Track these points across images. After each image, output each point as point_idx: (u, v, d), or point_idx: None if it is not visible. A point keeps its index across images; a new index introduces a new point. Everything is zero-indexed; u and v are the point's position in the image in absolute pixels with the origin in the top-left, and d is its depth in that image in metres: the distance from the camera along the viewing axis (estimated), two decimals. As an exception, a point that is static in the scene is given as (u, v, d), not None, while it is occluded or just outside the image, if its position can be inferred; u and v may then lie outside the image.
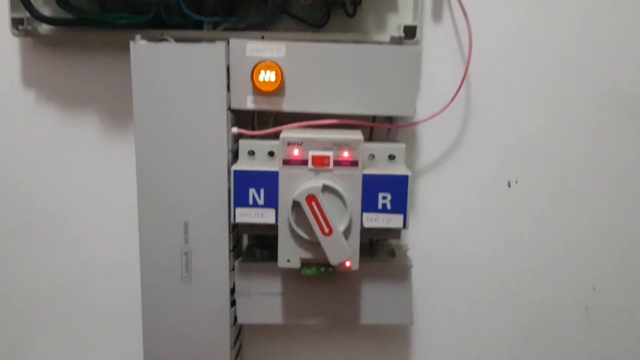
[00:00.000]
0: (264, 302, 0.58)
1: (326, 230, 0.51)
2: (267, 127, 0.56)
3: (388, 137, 0.59)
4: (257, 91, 0.54)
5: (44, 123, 0.63)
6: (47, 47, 0.61)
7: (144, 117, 0.53)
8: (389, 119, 0.58)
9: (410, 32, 0.58)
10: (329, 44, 0.54)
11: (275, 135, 0.54)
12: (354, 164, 0.52)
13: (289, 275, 0.57)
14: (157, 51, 0.52)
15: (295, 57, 0.54)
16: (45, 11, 0.57)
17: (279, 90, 0.54)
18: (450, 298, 0.66)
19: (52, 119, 0.62)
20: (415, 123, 0.61)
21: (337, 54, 0.54)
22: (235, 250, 0.58)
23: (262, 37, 0.56)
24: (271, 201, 0.53)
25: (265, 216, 0.53)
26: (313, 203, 0.51)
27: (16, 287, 0.66)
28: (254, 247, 0.60)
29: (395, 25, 0.59)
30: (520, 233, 0.65)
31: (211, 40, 0.53)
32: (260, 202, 0.53)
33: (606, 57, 0.62)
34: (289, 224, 0.53)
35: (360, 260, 0.54)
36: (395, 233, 0.56)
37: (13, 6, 0.56)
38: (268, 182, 0.53)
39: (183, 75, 0.52)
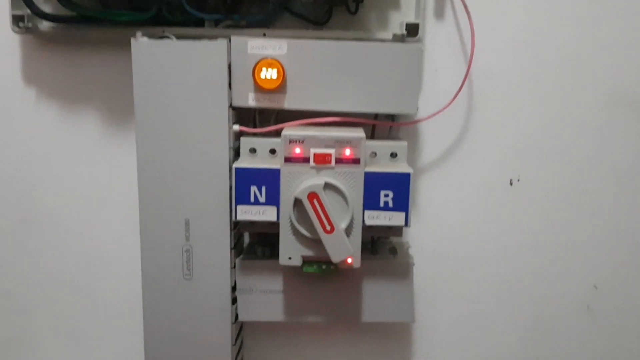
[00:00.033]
0: (265, 299, 0.58)
1: (328, 227, 0.51)
2: (269, 125, 0.56)
3: (390, 135, 0.59)
4: (259, 89, 0.54)
5: (44, 120, 0.62)
6: (48, 45, 0.61)
7: (145, 114, 0.53)
8: (391, 117, 0.58)
9: (412, 30, 0.57)
10: (331, 42, 0.54)
11: (277, 133, 0.54)
12: (355, 161, 0.52)
13: (290, 272, 0.57)
14: (159, 48, 0.52)
15: (297, 54, 0.53)
16: (46, 8, 0.56)
17: (280, 87, 0.54)
18: (451, 296, 0.66)
19: (53, 117, 0.62)
20: (417, 121, 0.60)
21: (339, 52, 0.54)
22: (237, 247, 0.58)
23: (264, 35, 0.56)
24: (273, 199, 0.53)
25: (267, 214, 0.53)
26: (315, 200, 0.51)
27: (17, 285, 0.66)
28: (255, 244, 0.60)
29: (397, 22, 0.58)
30: (522, 231, 0.65)
31: (212, 37, 0.53)
32: (262, 199, 0.53)
33: (609, 55, 0.62)
34: (291, 221, 0.53)
35: (362, 258, 0.53)
36: (396, 231, 0.56)
37: (14, 3, 0.56)
38: (269, 180, 0.53)
39: (184, 72, 0.52)
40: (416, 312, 0.63)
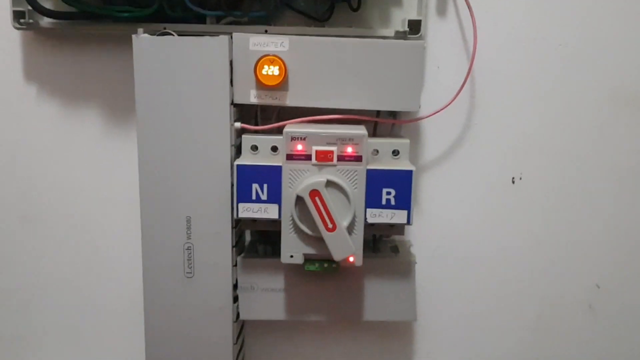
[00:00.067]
0: (267, 298, 0.58)
1: (330, 225, 0.51)
2: (271, 122, 0.56)
3: (392, 133, 0.59)
4: (261, 85, 0.53)
5: (45, 117, 0.62)
6: (49, 41, 0.61)
7: (146, 111, 0.53)
8: (393, 114, 0.58)
9: (414, 27, 0.57)
10: (333, 39, 0.54)
11: (279, 130, 0.54)
12: (357, 159, 0.52)
13: (292, 271, 0.57)
14: (160, 45, 0.52)
15: (299, 51, 0.53)
16: (47, 4, 0.56)
17: (282, 84, 0.53)
18: (453, 294, 0.66)
19: (54, 113, 0.62)
20: (420, 118, 0.60)
21: (341, 49, 0.54)
22: (238, 245, 0.58)
23: (266, 31, 0.56)
24: (274, 196, 0.53)
25: (269, 211, 0.53)
26: (317, 198, 0.51)
27: (17, 283, 0.66)
28: (256, 242, 0.60)
29: (399, 19, 0.58)
30: (524, 229, 0.65)
31: (214, 34, 0.52)
32: (264, 197, 0.53)
33: (612, 53, 0.61)
34: (292, 219, 0.52)
35: (364, 256, 0.53)
36: (399, 229, 0.56)
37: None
38: (271, 177, 0.52)
39: (186, 69, 0.52)
40: (418, 310, 0.63)
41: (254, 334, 0.66)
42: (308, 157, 0.52)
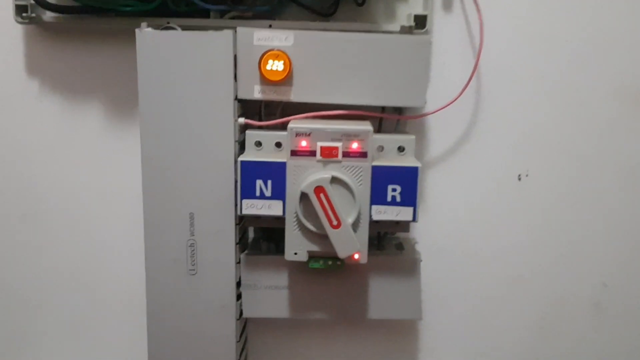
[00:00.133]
0: (270, 295, 0.57)
1: (334, 222, 0.51)
2: (275, 118, 0.55)
3: (397, 129, 0.58)
4: (265, 81, 0.53)
5: (47, 112, 0.62)
6: (52, 35, 0.60)
7: (150, 106, 0.53)
8: (398, 110, 0.58)
9: (420, 22, 0.57)
10: (338, 33, 0.53)
11: (283, 126, 0.54)
12: (363, 155, 0.51)
13: (296, 268, 0.57)
14: (163, 39, 0.52)
15: (304, 46, 0.53)
16: (50, -2, 0.56)
17: (286, 79, 0.53)
18: (458, 292, 0.65)
19: (56, 108, 0.62)
20: (425, 114, 0.60)
21: (346, 44, 0.53)
22: (241, 242, 0.57)
23: (270, 26, 0.55)
24: (278, 193, 0.52)
25: (273, 208, 0.52)
26: (321, 195, 0.50)
27: (19, 280, 0.66)
28: (260, 239, 0.60)
29: (405, 14, 0.58)
30: (530, 227, 0.64)
31: (218, 28, 0.52)
32: (268, 193, 0.52)
33: (619, 48, 0.61)
34: (297, 216, 0.52)
35: (368, 253, 0.53)
36: (404, 226, 0.55)
37: (17, -7, 0.56)
38: (275, 173, 0.52)
39: (189, 64, 0.52)
40: (423, 309, 0.63)
41: (257, 331, 0.66)
42: (313, 153, 0.51)
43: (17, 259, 0.65)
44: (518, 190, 0.63)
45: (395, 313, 0.58)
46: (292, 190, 0.52)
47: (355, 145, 0.51)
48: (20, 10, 0.57)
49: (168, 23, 0.54)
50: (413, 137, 0.55)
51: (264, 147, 0.54)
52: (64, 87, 0.61)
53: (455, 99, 0.59)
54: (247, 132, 0.54)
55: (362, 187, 0.52)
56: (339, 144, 0.51)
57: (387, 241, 0.60)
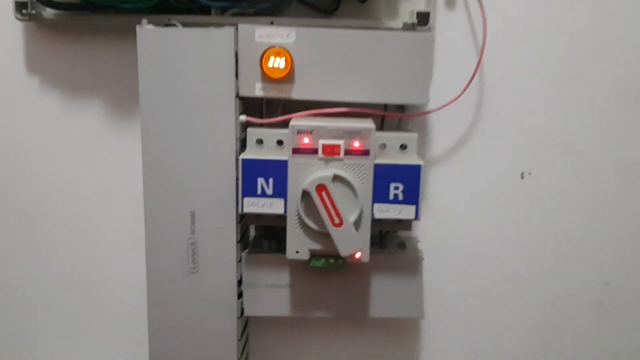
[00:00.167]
0: (272, 294, 0.57)
1: (336, 220, 0.50)
2: (276, 115, 0.55)
3: (399, 127, 0.58)
4: (266, 78, 0.53)
5: (48, 110, 0.62)
6: (52, 32, 0.60)
7: (150, 104, 0.52)
8: (401, 108, 0.57)
9: (423, 19, 0.56)
10: (340, 30, 0.53)
11: (284, 124, 0.53)
12: (365, 153, 0.51)
13: (297, 267, 0.56)
14: (164, 36, 0.51)
15: (306, 43, 0.52)
16: (50, -5, 0.56)
17: (288, 77, 0.53)
18: (461, 291, 0.65)
19: (57, 106, 0.62)
20: (428, 112, 0.59)
21: (349, 40, 0.53)
22: (243, 241, 0.57)
23: (271, 23, 0.55)
24: (280, 191, 0.52)
25: (274, 206, 0.52)
26: (323, 193, 0.50)
27: (20, 278, 0.66)
28: (261, 238, 0.59)
29: (407, 11, 0.57)
30: (533, 226, 0.64)
31: (219, 25, 0.52)
32: (269, 191, 0.52)
33: (624, 46, 0.61)
34: (298, 214, 0.52)
35: (370, 252, 0.53)
36: (406, 225, 0.55)
37: (17, -10, 0.56)
38: (277, 172, 0.52)
39: (190, 61, 0.51)
40: (425, 307, 0.62)
41: (258, 330, 0.66)
42: (314, 151, 0.51)
43: (18, 257, 0.65)
44: (521, 189, 0.63)
45: (397, 311, 0.58)
46: (294, 189, 0.51)
47: (357, 143, 0.51)
48: (20, 7, 0.56)
49: (169, 20, 0.54)
50: (415, 134, 0.54)
51: (266, 145, 0.53)
52: (65, 85, 0.61)
53: (458, 97, 0.58)
54: (249, 129, 0.54)
55: (364, 185, 0.51)
56: (341, 142, 0.51)
57: (389, 239, 0.60)
